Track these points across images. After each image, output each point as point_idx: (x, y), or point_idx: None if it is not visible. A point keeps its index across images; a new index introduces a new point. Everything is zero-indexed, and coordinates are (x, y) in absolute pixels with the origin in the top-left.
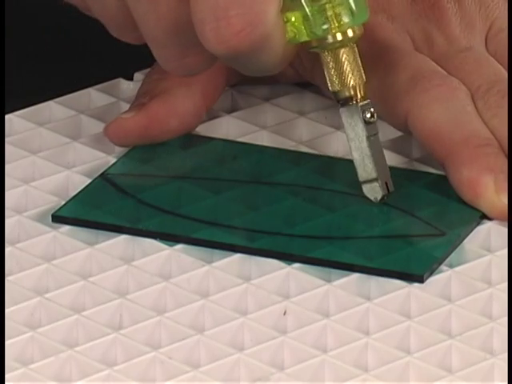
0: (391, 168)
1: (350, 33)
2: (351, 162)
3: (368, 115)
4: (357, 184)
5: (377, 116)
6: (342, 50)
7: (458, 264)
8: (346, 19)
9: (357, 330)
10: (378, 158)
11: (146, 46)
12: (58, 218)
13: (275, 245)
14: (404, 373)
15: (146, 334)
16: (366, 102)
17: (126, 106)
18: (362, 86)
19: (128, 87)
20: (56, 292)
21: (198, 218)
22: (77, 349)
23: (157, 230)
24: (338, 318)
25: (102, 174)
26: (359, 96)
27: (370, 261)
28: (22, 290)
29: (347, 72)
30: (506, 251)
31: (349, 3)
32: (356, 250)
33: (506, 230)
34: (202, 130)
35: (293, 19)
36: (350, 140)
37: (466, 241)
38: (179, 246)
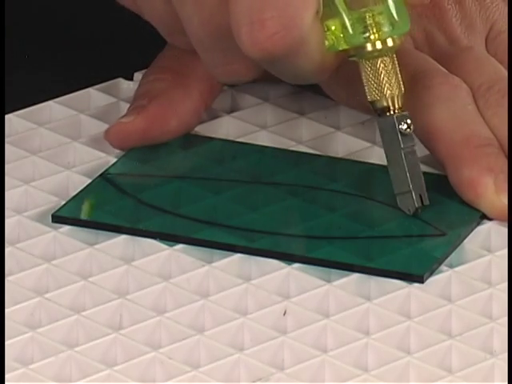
0: None
1: (389, 42)
2: (351, 162)
3: (404, 126)
4: (357, 184)
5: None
6: (381, 60)
7: (458, 264)
8: (385, 28)
9: (357, 330)
10: (413, 170)
11: (145, 46)
12: (58, 217)
13: (275, 245)
14: (404, 373)
15: (146, 334)
16: (403, 113)
17: (125, 106)
18: (399, 97)
19: (128, 87)
20: (56, 292)
21: (198, 218)
22: (77, 349)
23: (157, 230)
24: (338, 318)
25: (101, 174)
26: (396, 106)
27: (370, 261)
28: (22, 290)
29: (385, 82)
30: (506, 251)
31: (390, 13)
32: (356, 250)
33: (506, 230)
34: (202, 129)
35: (333, 28)
36: (385, 150)
37: (466, 241)
38: (179, 246)
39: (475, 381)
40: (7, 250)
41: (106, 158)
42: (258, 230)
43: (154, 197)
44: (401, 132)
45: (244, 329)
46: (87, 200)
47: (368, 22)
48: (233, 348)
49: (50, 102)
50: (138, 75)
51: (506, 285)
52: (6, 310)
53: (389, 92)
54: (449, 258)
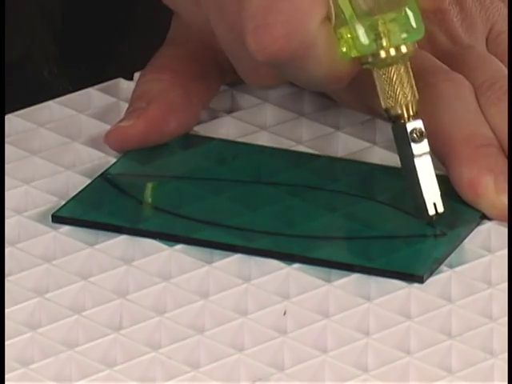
0: (392, 168)
1: (403, 49)
2: (351, 162)
3: (417, 134)
4: (357, 184)
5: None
6: (395, 67)
7: (458, 264)
8: (399, 35)
9: (357, 330)
10: (426, 178)
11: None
12: (58, 218)
13: (275, 245)
14: (404, 373)
15: (146, 334)
16: (415, 120)
17: (125, 106)
18: (413, 104)
19: (128, 87)
20: (56, 292)
21: (198, 218)
22: (77, 349)
23: (157, 230)
24: (338, 318)
25: (102, 173)
26: (410, 113)
27: (370, 261)
28: (22, 290)
29: (399, 89)
30: (506, 251)
31: (408, 20)
32: (356, 249)
33: (506, 230)
34: (202, 129)
35: (346, 36)
36: (400, 157)
37: (466, 241)
38: (179, 246)
39: (475, 381)
40: (7, 250)
41: (106, 158)
42: (258, 230)
43: (154, 197)
44: (413, 139)
45: (244, 329)
46: (149, 184)
47: (380, 30)
48: (233, 348)
49: (50, 102)
50: (137, 75)
51: (506, 285)
52: (6, 310)
53: (403, 99)
54: (449, 258)
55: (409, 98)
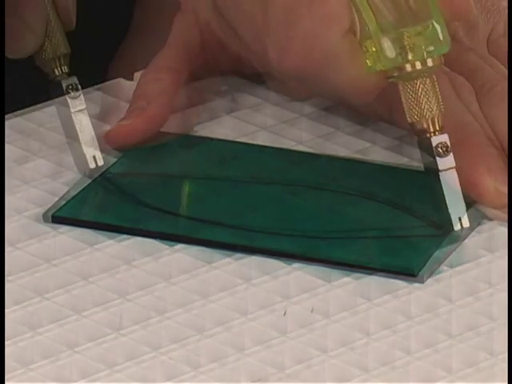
0: (392, 168)
1: (429, 62)
2: (351, 162)
3: (442, 149)
4: (357, 184)
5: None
6: (420, 81)
7: (458, 264)
8: (425, 48)
9: (357, 330)
10: (451, 193)
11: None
12: (58, 218)
13: (275, 245)
14: (404, 373)
15: (146, 334)
16: (441, 135)
17: (125, 106)
18: (439, 118)
19: (128, 87)
20: (56, 292)
21: (198, 217)
22: (77, 349)
23: (157, 230)
24: (338, 318)
25: (101, 173)
26: (437, 127)
27: (370, 261)
28: (22, 290)
29: (424, 103)
30: (506, 251)
31: (436, 33)
32: (356, 250)
33: (505, 230)
34: (202, 129)
35: (371, 49)
36: (425, 171)
37: (466, 241)
38: (179, 246)
39: (475, 381)
40: (7, 250)
41: (106, 158)
42: (258, 229)
43: (154, 197)
44: (438, 154)
45: (244, 329)
46: (186, 183)
47: (405, 43)
48: (233, 348)
49: (50, 102)
50: (138, 75)
51: (505, 285)
52: (6, 310)
53: (428, 113)
54: (449, 258)
55: (434, 112)
